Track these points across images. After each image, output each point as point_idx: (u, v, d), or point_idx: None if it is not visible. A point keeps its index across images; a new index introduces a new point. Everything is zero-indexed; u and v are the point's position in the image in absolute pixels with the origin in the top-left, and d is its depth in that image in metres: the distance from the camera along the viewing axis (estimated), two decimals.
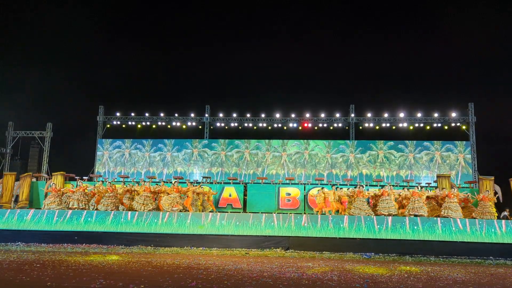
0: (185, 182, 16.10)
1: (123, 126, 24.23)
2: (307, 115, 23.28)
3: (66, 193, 14.14)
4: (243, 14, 25.85)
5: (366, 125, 23.08)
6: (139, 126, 24.20)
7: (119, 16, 25.79)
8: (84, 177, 17.98)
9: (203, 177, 19.65)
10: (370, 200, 13.83)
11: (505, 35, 22.61)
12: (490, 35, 23.19)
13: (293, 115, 23.35)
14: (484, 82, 23.82)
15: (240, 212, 14.77)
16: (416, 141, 22.37)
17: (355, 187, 13.92)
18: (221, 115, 23.92)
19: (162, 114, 24.05)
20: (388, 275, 7.74)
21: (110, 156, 23.54)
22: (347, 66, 24.83)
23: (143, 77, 26.39)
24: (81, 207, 13.50)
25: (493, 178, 14.58)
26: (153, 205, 13.70)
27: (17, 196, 15.60)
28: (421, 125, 22.72)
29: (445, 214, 12.52)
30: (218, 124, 24.01)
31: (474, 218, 12.61)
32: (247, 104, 24.03)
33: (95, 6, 25.31)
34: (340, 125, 23.34)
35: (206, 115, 24.00)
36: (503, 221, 12.08)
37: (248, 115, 23.64)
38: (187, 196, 13.68)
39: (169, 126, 24.20)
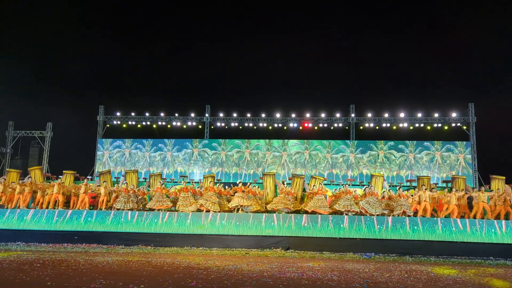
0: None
1: (123, 125, 24.22)
2: (308, 115, 23.27)
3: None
4: (244, 13, 25.84)
5: (367, 125, 23.08)
6: (139, 125, 24.20)
7: (119, 16, 25.77)
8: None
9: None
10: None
11: (506, 35, 22.60)
12: (490, 35, 23.19)
13: (293, 115, 23.34)
14: (484, 82, 23.84)
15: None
16: (417, 141, 22.37)
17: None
18: (221, 114, 23.91)
19: (162, 114, 24.05)
20: (388, 275, 7.73)
21: (110, 156, 23.55)
22: (348, 66, 24.84)
23: (143, 76, 26.42)
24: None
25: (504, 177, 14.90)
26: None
27: None
28: (422, 125, 22.70)
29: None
30: (218, 124, 24.01)
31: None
32: (248, 103, 24.07)
33: (93, 5, 25.31)
34: (340, 125, 23.34)
35: (206, 114, 23.99)
36: (503, 221, 12.08)
37: (249, 115, 23.63)
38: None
39: (169, 126, 24.20)
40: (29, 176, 15.07)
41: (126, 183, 14.45)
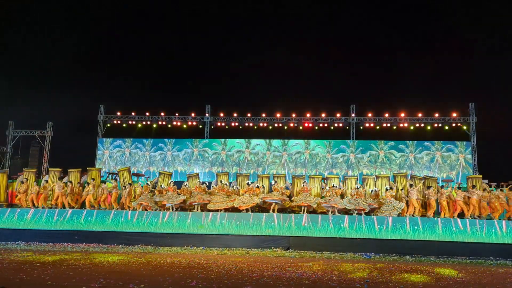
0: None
1: (124, 125, 24.19)
2: (308, 115, 23.24)
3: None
4: (243, 13, 25.81)
5: (367, 125, 23.05)
6: (139, 125, 24.18)
7: (119, 16, 25.74)
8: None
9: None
10: None
11: (506, 35, 22.59)
12: (491, 35, 23.18)
13: (294, 115, 23.32)
14: (485, 82, 23.78)
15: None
16: (417, 141, 22.34)
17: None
18: (221, 114, 23.89)
19: (162, 114, 24.02)
20: (388, 275, 7.73)
21: (110, 156, 23.55)
22: (348, 66, 24.82)
23: (143, 76, 26.38)
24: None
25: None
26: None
27: None
28: (422, 125, 22.66)
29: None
30: (218, 124, 23.98)
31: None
32: (248, 103, 24.00)
33: (93, 5, 25.31)
34: (340, 125, 23.30)
35: (207, 114, 23.97)
36: (504, 221, 12.08)
37: (249, 115, 23.60)
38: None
39: (169, 126, 24.18)
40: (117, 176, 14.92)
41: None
